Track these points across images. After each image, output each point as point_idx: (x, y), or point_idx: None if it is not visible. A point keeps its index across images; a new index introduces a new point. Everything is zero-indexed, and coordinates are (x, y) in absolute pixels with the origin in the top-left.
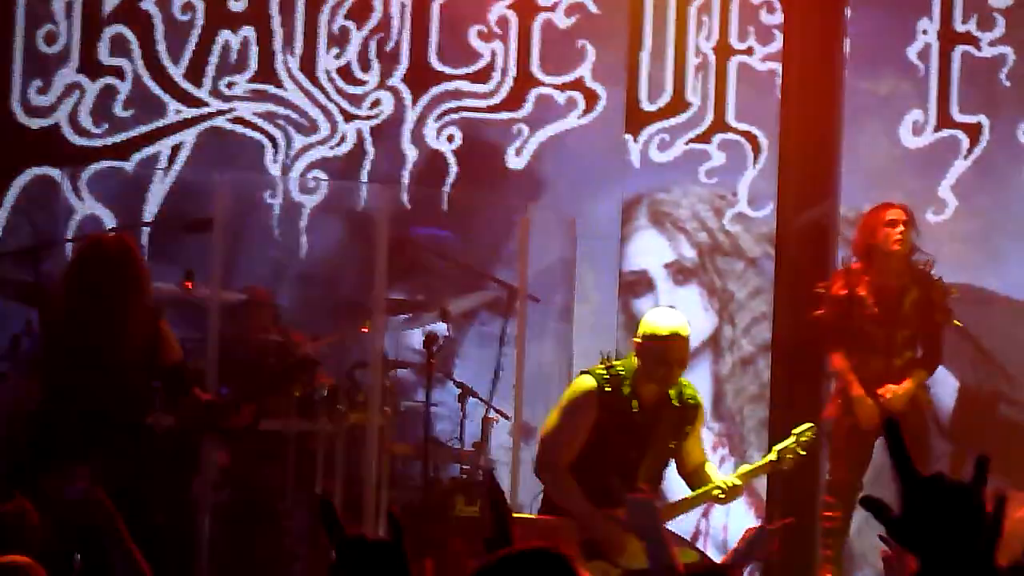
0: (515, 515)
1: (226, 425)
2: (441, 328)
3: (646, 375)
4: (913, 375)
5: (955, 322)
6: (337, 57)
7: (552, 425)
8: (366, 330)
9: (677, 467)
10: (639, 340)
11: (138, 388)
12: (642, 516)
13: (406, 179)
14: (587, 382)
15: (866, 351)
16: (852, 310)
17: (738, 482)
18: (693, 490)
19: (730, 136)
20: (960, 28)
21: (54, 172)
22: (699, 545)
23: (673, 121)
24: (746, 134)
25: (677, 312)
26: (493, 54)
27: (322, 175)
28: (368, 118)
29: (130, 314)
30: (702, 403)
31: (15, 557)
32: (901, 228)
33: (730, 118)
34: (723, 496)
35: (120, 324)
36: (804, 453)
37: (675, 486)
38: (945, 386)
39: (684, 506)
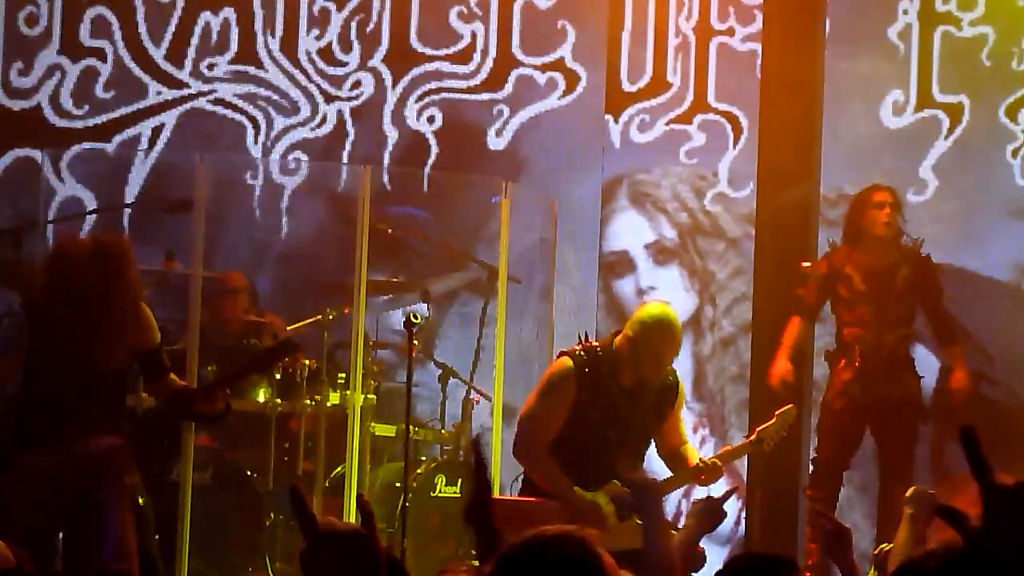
0: (497, 496)
1: (199, 412)
2: (422, 309)
3: (632, 365)
4: (957, 360)
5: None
6: (318, 38)
7: (531, 406)
8: (347, 311)
9: (657, 448)
10: (632, 334)
11: (119, 371)
12: (645, 496)
13: (387, 160)
14: (566, 363)
15: (856, 327)
16: (837, 288)
17: (719, 462)
18: (673, 471)
19: (710, 116)
20: (940, 8)
21: (35, 153)
22: (680, 526)
23: (653, 102)
24: (726, 114)
25: (673, 311)
26: (473, 35)
27: (303, 156)
28: (349, 99)
29: (112, 311)
30: (681, 384)
31: None
32: (888, 211)
33: (711, 99)
34: (704, 477)
35: (102, 319)
36: (785, 434)
37: (656, 467)
38: (927, 367)
39: (666, 486)
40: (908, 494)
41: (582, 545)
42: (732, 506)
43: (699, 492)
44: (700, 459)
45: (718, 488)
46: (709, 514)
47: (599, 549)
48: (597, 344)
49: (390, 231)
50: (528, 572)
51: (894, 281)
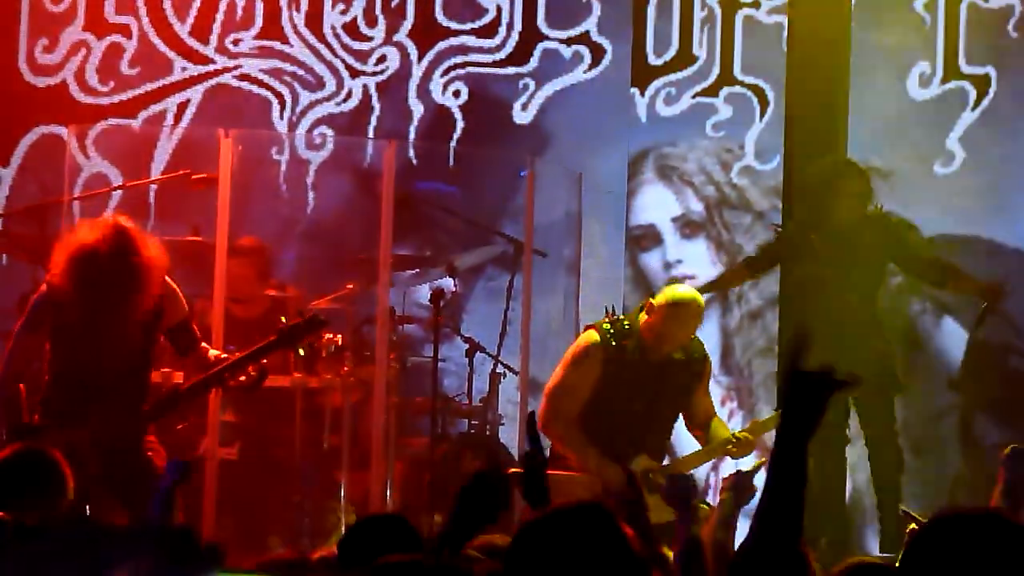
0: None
1: (232, 383)
2: (448, 283)
3: (653, 343)
4: (967, 283)
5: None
6: (343, 13)
7: (558, 379)
8: (373, 286)
9: (685, 421)
10: (655, 318)
11: (144, 345)
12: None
13: (412, 135)
14: (592, 336)
15: (825, 294)
16: (806, 255)
17: (751, 436)
18: (702, 444)
19: (737, 89)
20: None
21: (61, 130)
22: (708, 499)
23: (680, 75)
24: (753, 87)
25: (694, 292)
26: (499, 9)
27: (328, 131)
28: (374, 74)
29: (130, 291)
30: (709, 357)
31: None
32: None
33: (737, 71)
34: (735, 450)
35: (121, 302)
36: None
37: (683, 440)
38: (954, 338)
39: (695, 460)
40: (1006, 452)
41: (603, 516)
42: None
43: (728, 465)
44: (732, 433)
45: (746, 462)
46: (740, 489)
47: (620, 521)
48: (624, 318)
49: (415, 206)
50: (547, 544)
51: (858, 245)
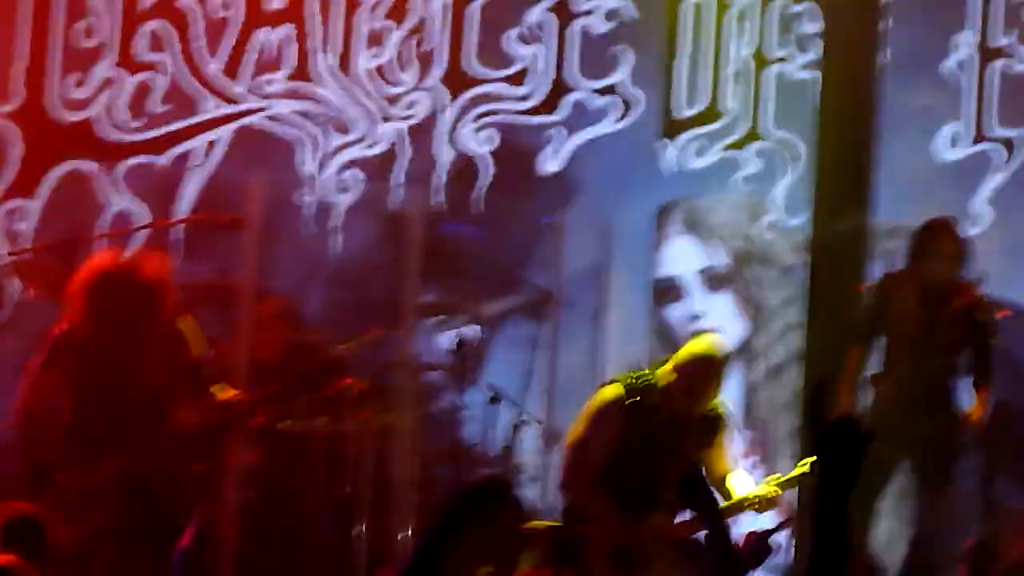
0: (542, 523)
1: (241, 426)
2: (473, 331)
3: (678, 398)
4: (983, 402)
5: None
6: (375, 56)
7: (578, 435)
8: (398, 332)
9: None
10: (678, 369)
11: (162, 385)
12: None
13: (441, 180)
14: (613, 392)
15: (905, 347)
16: (890, 308)
17: (776, 491)
18: (721, 500)
19: (766, 144)
20: (999, 42)
21: (89, 166)
22: None
23: (709, 128)
24: (782, 142)
25: (723, 345)
26: (531, 58)
27: (357, 175)
28: (405, 119)
29: (147, 327)
30: (726, 415)
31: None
32: (946, 266)
33: (767, 126)
34: (759, 505)
35: (138, 335)
36: None
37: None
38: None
39: (721, 516)
40: None
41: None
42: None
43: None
44: (759, 489)
45: (763, 520)
46: (756, 551)
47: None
48: (645, 373)
49: (442, 252)
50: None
51: (947, 307)
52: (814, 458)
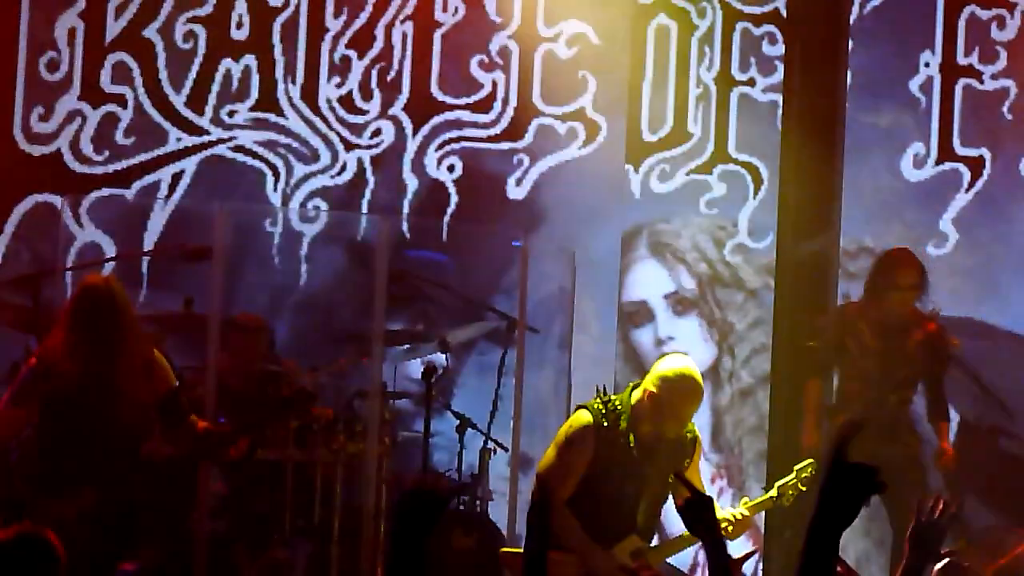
0: (510, 549)
1: (222, 456)
2: (440, 358)
3: (652, 419)
4: (944, 435)
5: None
6: (339, 86)
7: (549, 461)
8: (365, 360)
9: (675, 502)
10: (655, 389)
11: (134, 418)
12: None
13: (406, 209)
14: (584, 417)
15: (861, 383)
16: (846, 340)
17: (747, 513)
18: None
19: (731, 167)
20: (963, 61)
21: (55, 199)
22: None
23: (674, 152)
24: (747, 165)
25: (695, 367)
26: (494, 84)
27: (322, 204)
28: (369, 147)
29: (122, 353)
30: (699, 437)
31: None
32: (913, 296)
33: (731, 149)
34: (731, 529)
35: (113, 363)
36: (804, 489)
37: (673, 522)
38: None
39: (690, 539)
40: (939, 567)
41: None
42: (750, 563)
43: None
44: (728, 511)
45: (736, 545)
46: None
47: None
48: (616, 397)
49: (408, 280)
50: None
51: (905, 343)
52: (781, 481)
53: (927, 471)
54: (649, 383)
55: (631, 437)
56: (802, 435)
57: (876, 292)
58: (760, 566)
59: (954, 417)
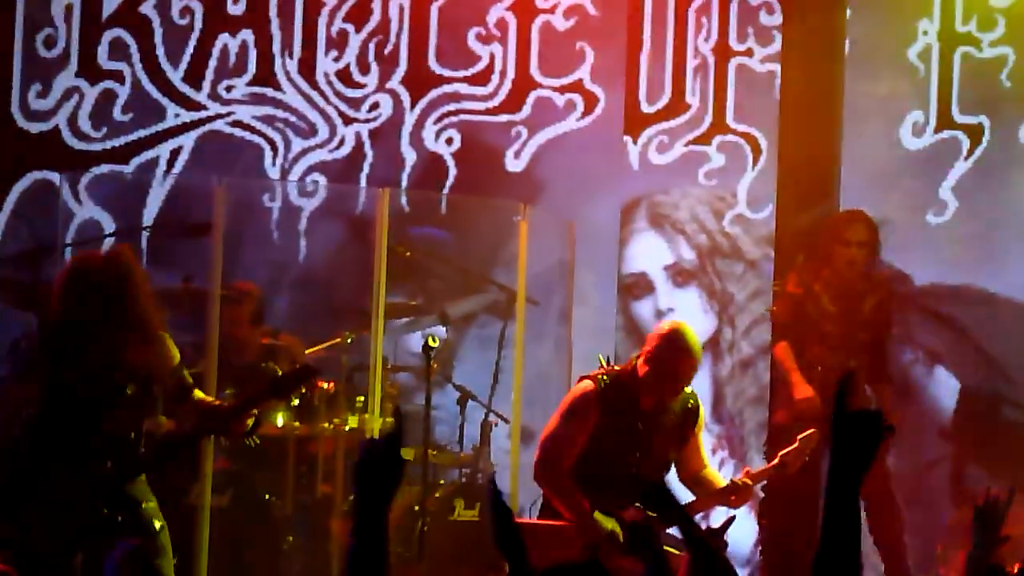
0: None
1: (226, 431)
2: (440, 331)
3: (652, 385)
4: (886, 398)
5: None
6: (336, 60)
7: (552, 429)
8: (365, 334)
9: (677, 472)
10: (650, 350)
11: (136, 394)
12: (641, 540)
13: (405, 182)
14: (587, 386)
15: (823, 347)
16: (806, 305)
17: (749, 483)
18: (695, 495)
19: (729, 138)
20: (961, 28)
21: (53, 176)
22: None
23: (672, 123)
24: (745, 136)
25: (690, 327)
26: (492, 56)
27: (321, 178)
28: (367, 121)
29: (126, 328)
30: (702, 407)
31: None
32: (855, 253)
33: (729, 120)
34: (735, 498)
35: (116, 337)
36: (807, 459)
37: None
38: (946, 388)
39: (694, 509)
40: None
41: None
42: (751, 530)
43: (718, 514)
44: (732, 479)
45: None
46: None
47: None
48: (618, 368)
49: (408, 254)
50: None
51: (861, 307)
52: (785, 451)
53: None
54: (646, 349)
55: (634, 407)
56: (794, 393)
57: (824, 255)
58: (758, 535)
59: (955, 385)
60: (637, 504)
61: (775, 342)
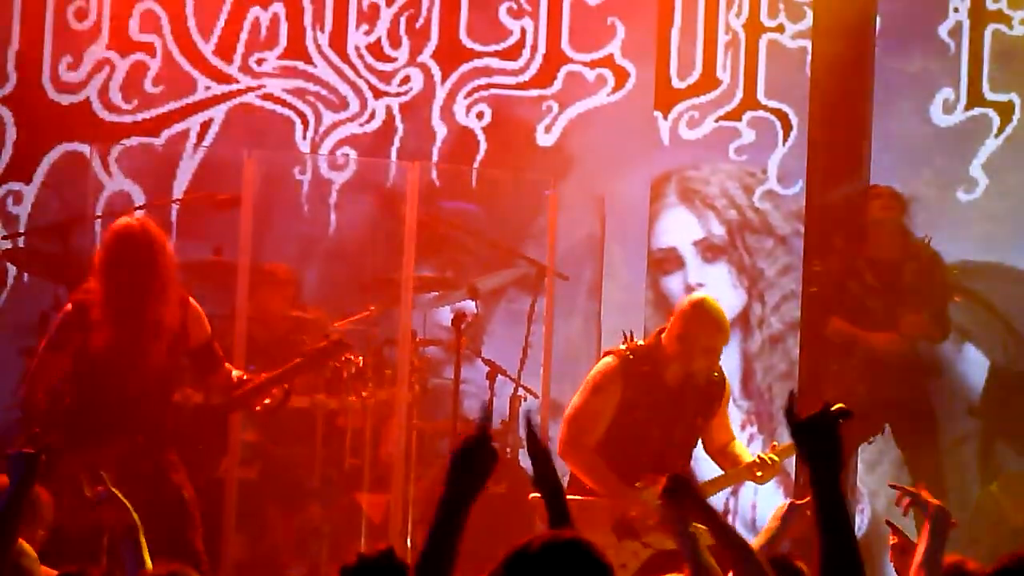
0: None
1: (257, 404)
2: (470, 305)
3: (681, 358)
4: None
5: (955, 298)
6: (367, 34)
7: (577, 405)
8: (395, 308)
9: (705, 446)
10: (679, 327)
11: (166, 366)
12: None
13: (435, 156)
14: (612, 361)
15: (867, 325)
16: (848, 284)
17: (776, 459)
18: (723, 469)
19: (760, 113)
20: (992, 6)
21: (84, 148)
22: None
23: (703, 98)
24: (776, 111)
25: (715, 299)
26: (523, 31)
27: (351, 152)
28: (398, 95)
29: (157, 299)
30: (728, 381)
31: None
32: (884, 200)
33: (760, 95)
34: (761, 474)
35: (148, 308)
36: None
37: (703, 466)
38: (976, 365)
39: (721, 484)
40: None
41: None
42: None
43: (747, 490)
44: (758, 455)
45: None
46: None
47: (606, 558)
48: (643, 343)
49: (439, 228)
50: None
51: (902, 276)
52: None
53: (936, 412)
54: (673, 323)
55: (659, 382)
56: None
57: (861, 225)
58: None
59: (984, 363)
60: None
61: (812, 321)
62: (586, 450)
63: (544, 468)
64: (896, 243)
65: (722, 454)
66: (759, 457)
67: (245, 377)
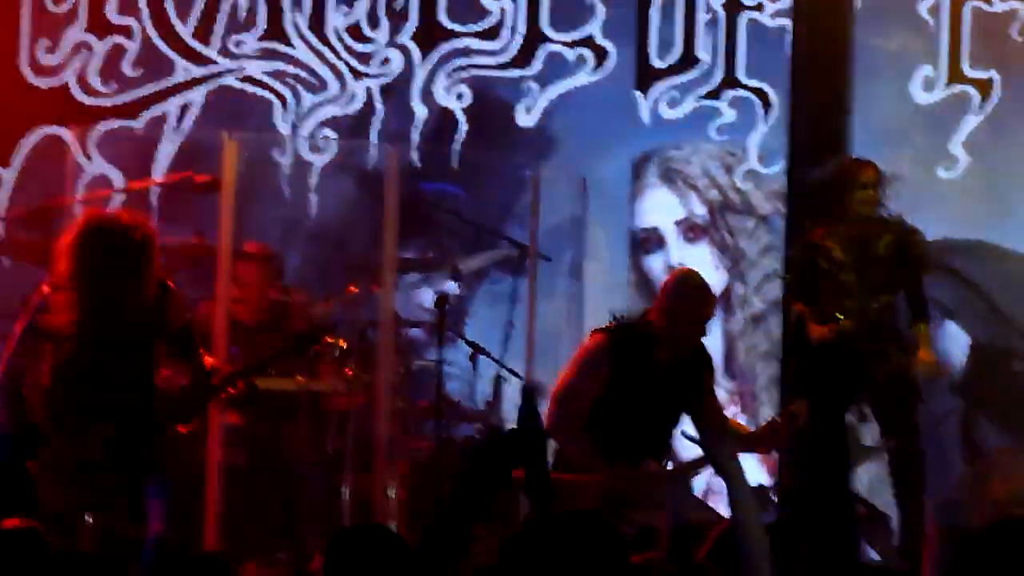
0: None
1: (223, 394)
2: (452, 287)
3: (670, 333)
4: (923, 337)
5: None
6: (346, 15)
7: (565, 382)
8: (377, 290)
9: (695, 423)
10: (665, 301)
11: (147, 350)
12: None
13: (416, 137)
14: (600, 339)
15: (840, 297)
16: (819, 263)
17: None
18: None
19: (740, 93)
20: None
21: (62, 131)
22: (709, 502)
23: (683, 78)
24: (756, 91)
25: (696, 272)
26: (502, 11)
27: (331, 134)
28: (377, 76)
29: (135, 287)
30: (710, 355)
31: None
32: (872, 192)
33: (740, 74)
34: (765, 445)
35: (126, 296)
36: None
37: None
38: (957, 343)
39: (701, 464)
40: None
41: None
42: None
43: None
44: (772, 417)
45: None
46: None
47: (618, 530)
48: (631, 322)
49: (421, 210)
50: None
51: (875, 248)
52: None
53: (914, 391)
54: (659, 299)
55: (647, 360)
56: (810, 333)
57: (838, 207)
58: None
59: (966, 340)
60: (648, 458)
61: (790, 304)
62: (573, 427)
63: (535, 443)
64: (870, 217)
65: (724, 424)
66: (773, 419)
67: (215, 368)
